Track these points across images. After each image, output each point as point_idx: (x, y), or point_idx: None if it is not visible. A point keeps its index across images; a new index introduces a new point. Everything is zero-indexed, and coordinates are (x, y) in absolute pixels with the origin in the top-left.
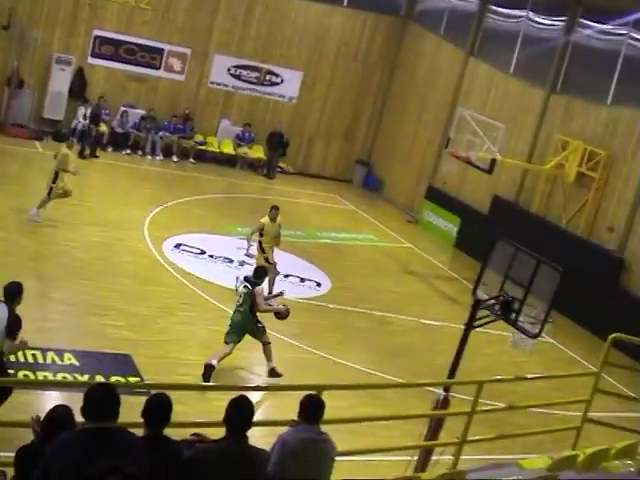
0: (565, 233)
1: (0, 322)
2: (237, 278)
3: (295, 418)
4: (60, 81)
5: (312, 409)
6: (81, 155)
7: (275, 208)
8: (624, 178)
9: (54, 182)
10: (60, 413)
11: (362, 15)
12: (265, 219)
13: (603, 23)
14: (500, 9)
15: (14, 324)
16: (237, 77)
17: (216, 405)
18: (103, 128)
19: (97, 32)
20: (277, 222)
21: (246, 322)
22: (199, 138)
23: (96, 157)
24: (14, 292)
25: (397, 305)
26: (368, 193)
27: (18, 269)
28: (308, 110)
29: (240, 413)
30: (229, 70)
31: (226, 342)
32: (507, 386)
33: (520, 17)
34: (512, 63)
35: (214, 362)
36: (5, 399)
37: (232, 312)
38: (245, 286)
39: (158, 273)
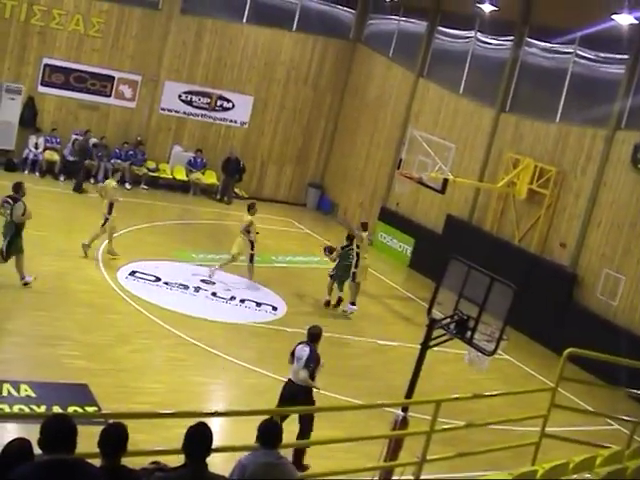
0: (518, 250)
1: (303, 357)
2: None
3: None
4: (10, 111)
5: (270, 434)
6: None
7: (364, 224)
8: (575, 194)
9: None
10: (17, 446)
11: (311, 39)
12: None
13: (550, 42)
14: (448, 30)
15: (312, 360)
16: (188, 103)
17: (175, 432)
18: (55, 157)
19: (47, 60)
20: (367, 234)
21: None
22: (151, 165)
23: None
24: (316, 335)
25: (353, 327)
26: (322, 216)
27: None
28: (260, 135)
29: (199, 440)
30: (180, 96)
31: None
32: (465, 404)
33: (468, 37)
34: (462, 83)
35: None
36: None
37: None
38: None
39: (113, 301)
